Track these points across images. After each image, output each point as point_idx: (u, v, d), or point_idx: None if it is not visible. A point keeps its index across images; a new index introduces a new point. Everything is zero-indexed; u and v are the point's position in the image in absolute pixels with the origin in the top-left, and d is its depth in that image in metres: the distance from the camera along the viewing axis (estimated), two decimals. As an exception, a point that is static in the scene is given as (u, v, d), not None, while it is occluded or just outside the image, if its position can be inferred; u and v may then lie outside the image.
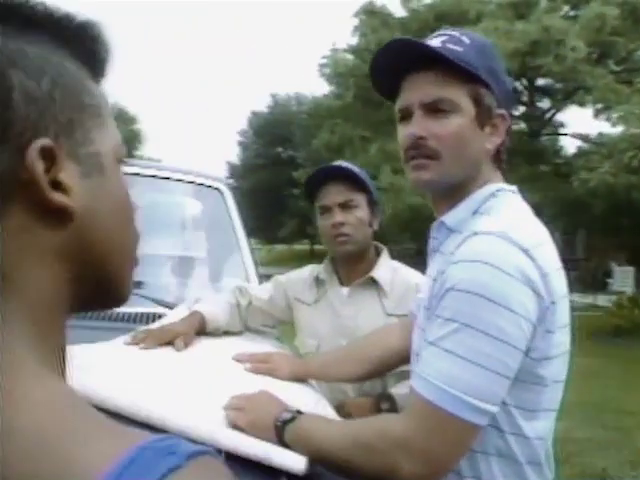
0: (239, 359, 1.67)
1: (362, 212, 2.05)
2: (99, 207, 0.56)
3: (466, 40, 1.25)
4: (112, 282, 0.60)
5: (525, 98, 21.19)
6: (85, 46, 0.58)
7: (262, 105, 46.27)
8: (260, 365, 1.65)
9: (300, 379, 1.68)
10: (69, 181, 0.52)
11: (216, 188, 2.84)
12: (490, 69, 1.25)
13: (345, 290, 2.09)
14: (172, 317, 1.94)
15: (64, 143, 0.53)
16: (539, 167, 18.95)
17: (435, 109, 1.23)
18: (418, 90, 1.25)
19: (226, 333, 2.03)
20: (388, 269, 2.07)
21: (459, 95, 1.23)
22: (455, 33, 1.27)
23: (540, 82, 20.61)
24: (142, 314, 2.06)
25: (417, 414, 1.13)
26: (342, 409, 1.80)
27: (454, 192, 1.28)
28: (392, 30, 20.56)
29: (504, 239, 1.12)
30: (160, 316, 2.01)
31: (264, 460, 1.10)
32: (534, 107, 21.03)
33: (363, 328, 1.91)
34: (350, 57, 22.90)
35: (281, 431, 1.23)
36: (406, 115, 1.28)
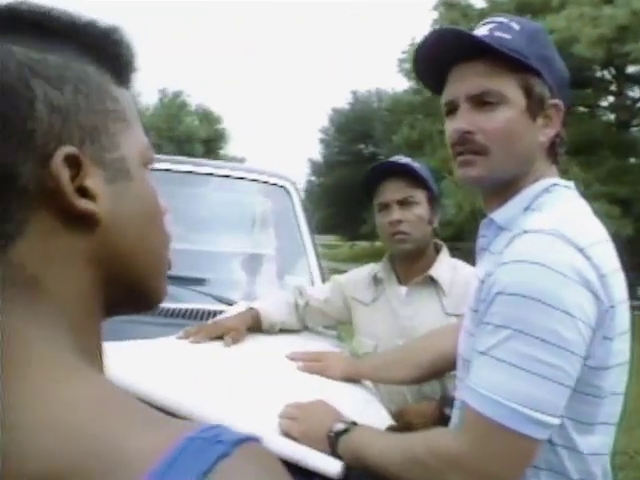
0: (292, 357, 1.67)
1: (421, 209, 1.99)
2: (125, 211, 0.56)
3: (516, 26, 1.18)
4: (143, 284, 0.61)
5: (613, 87, 20.41)
6: (108, 51, 0.58)
7: (343, 102, 46.30)
8: (312, 364, 1.64)
9: (352, 379, 1.66)
10: (95, 187, 0.53)
11: (282, 186, 2.85)
12: (542, 56, 1.18)
13: (403, 289, 2.04)
14: (230, 314, 1.96)
15: (89, 149, 0.53)
16: (628, 160, 18.21)
17: (482, 101, 1.16)
18: (464, 82, 1.18)
19: (284, 331, 2.03)
20: (448, 267, 2.01)
21: (507, 85, 1.15)
22: (504, 20, 1.20)
23: (629, 70, 19.78)
24: (202, 311, 2.09)
25: (471, 430, 1.06)
26: (403, 417, 1.77)
27: (505, 188, 1.21)
28: (472, 22, 20.18)
29: (557, 237, 1.04)
30: (220, 313, 2.04)
31: (299, 462, 1.09)
32: (623, 96, 20.20)
33: (421, 328, 1.86)
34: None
35: (334, 442, 1.21)
36: (452, 109, 1.22)
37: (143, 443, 0.42)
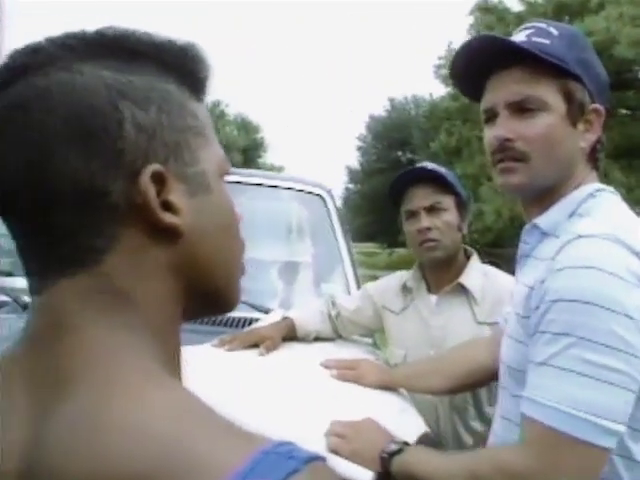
0: (326, 365, 1.68)
1: (450, 216, 1.96)
2: (206, 223, 0.59)
3: (554, 32, 1.18)
4: (221, 291, 0.63)
5: (656, 89, 19.99)
6: (186, 68, 0.61)
7: (380, 109, 46.19)
8: (346, 372, 1.65)
9: (385, 387, 1.66)
10: (178, 201, 0.56)
11: (318, 194, 2.87)
12: (582, 61, 1.18)
13: (433, 298, 2.01)
14: (266, 322, 1.98)
15: (172, 165, 0.56)
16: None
17: (522, 108, 1.17)
18: (503, 89, 1.19)
19: (318, 339, 2.04)
20: (478, 274, 1.97)
21: (547, 92, 1.16)
22: (542, 25, 1.21)
23: (673, 71, 19.38)
24: (237, 318, 2.10)
25: (537, 443, 1.03)
26: None
27: (546, 195, 1.20)
28: (508, 26, 19.96)
29: (612, 241, 1.03)
30: (256, 321, 2.06)
31: None
32: (666, 98, 19.77)
33: (452, 338, 1.85)
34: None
35: (387, 463, 1.21)
36: (491, 116, 1.22)
37: (220, 453, 0.44)
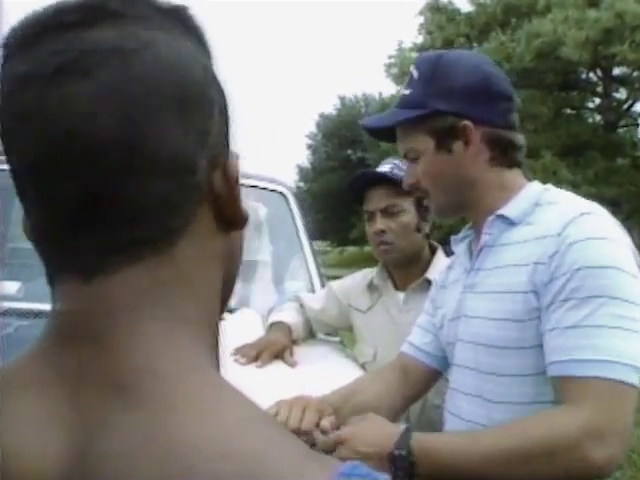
0: None
1: (407, 217, 1.95)
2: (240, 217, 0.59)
3: (414, 73, 1.32)
4: (231, 288, 0.61)
5: (599, 89, 20.56)
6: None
7: (330, 107, 46.16)
8: None
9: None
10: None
11: (280, 192, 2.87)
12: (440, 89, 1.28)
13: (400, 295, 2.02)
14: (233, 321, 1.96)
15: (225, 154, 0.55)
16: (616, 160, 18.33)
17: (409, 158, 1.36)
18: (399, 145, 1.38)
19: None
20: (444, 268, 1.95)
21: (416, 140, 1.33)
22: (411, 69, 1.35)
23: (615, 72, 19.94)
24: None
25: (590, 396, 1.08)
26: None
27: (468, 207, 1.36)
28: (458, 26, 20.27)
29: (607, 216, 1.20)
30: (221, 319, 2.03)
31: None
32: (610, 98, 20.35)
33: None
34: (416, 56, 22.65)
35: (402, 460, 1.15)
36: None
37: (305, 475, 0.42)
